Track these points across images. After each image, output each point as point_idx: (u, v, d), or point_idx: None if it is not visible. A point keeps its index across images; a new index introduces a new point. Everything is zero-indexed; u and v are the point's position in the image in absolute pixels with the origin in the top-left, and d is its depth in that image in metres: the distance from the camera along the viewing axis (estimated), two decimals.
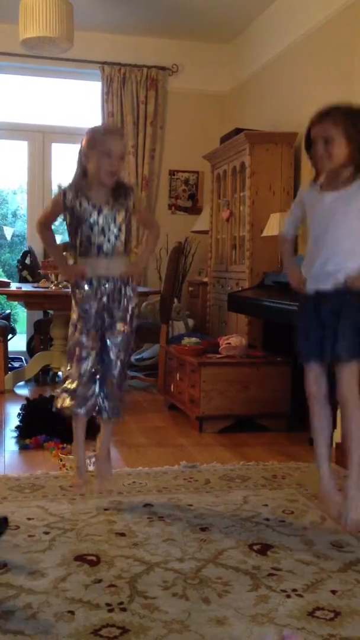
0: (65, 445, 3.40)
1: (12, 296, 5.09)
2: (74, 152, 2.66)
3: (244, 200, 5.03)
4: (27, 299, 5.08)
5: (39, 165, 6.50)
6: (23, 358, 6.35)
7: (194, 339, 4.53)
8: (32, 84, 6.46)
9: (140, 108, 6.27)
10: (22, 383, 5.34)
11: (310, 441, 2.54)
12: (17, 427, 3.76)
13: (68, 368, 2.72)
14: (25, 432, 3.67)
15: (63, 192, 2.63)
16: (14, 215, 9.35)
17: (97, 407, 2.73)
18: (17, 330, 6.74)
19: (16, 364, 6.11)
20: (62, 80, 6.47)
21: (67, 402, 2.68)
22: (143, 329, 5.48)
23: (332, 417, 2.53)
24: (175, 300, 5.67)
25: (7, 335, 5.67)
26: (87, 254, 2.63)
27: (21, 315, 7.92)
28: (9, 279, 6.64)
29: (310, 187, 2.53)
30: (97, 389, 2.70)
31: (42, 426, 3.62)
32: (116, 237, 2.62)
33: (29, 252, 6.08)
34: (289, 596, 1.99)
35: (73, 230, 2.64)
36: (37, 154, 6.50)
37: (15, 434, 3.74)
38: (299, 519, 2.62)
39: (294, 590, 2.04)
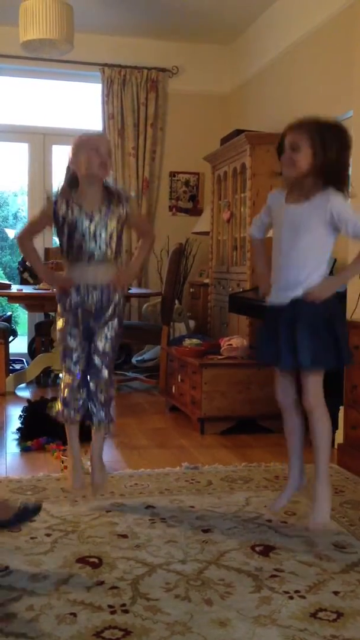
0: (66, 447, 3.40)
1: (13, 298, 5.09)
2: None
3: (245, 201, 5.03)
4: (28, 301, 5.08)
5: (40, 167, 6.51)
6: (24, 360, 6.36)
7: (195, 341, 4.53)
8: (32, 86, 6.48)
9: (140, 110, 6.28)
10: (23, 385, 5.34)
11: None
12: (19, 429, 3.75)
13: (62, 375, 2.75)
14: (26, 434, 3.67)
15: (53, 202, 2.62)
16: (15, 217, 9.35)
17: (87, 412, 2.76)
18: (18, 332, 6.74)
19: (17, 366, 6.11)
20: (62, 82, 6.48)
21: (59, 408, 2.74)
22: (144, 330, 5.49)
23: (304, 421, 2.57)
24: (177, 301, 5.67)
25: (8, 337, 5.67)
26: (77, 261, 2.63)
27: (22, 317, 7.92)
28: (9, 281, 6.63)
29: (278, 192, 2.53)
30: (85, 394, 2.72)
31: (43, 428, 3.62)
32: (107, 244, 2.61)
33: None
34: (291, 597, 1.99)
35: (64, 237, 2.63)
36: (37, 156, 6.50)
37: (16, 436, 3.74)
38: (301, 520, 2.61)
39: (297, 591, 2.03)
